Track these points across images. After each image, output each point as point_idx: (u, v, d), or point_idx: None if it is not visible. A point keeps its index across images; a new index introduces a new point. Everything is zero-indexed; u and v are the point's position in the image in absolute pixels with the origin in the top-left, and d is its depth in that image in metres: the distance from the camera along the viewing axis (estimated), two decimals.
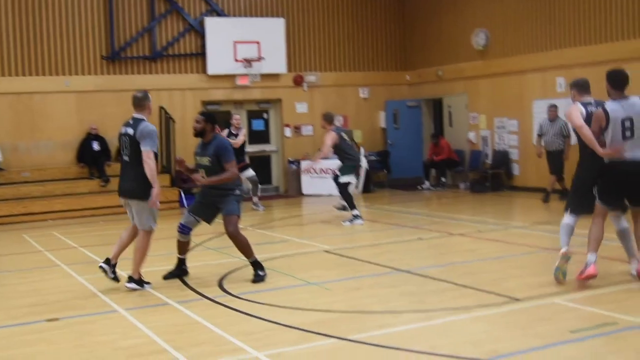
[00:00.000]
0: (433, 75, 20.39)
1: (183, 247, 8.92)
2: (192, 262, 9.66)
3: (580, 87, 8.16)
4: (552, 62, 16.68)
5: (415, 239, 11.28)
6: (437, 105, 21.05)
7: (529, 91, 17.33)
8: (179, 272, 8.94)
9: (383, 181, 20.45)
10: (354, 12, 20.86)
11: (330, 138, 13.36)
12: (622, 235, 7.94)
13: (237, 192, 8.70)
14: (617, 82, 7.68)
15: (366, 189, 18.93)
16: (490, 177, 17.96)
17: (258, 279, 8.59)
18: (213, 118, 8.78)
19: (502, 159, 18.02)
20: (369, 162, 18.98)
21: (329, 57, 20.59)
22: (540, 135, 15.70)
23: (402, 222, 13.39)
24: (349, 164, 13.61)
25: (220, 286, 8.39)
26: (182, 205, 17.22)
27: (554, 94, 16.59)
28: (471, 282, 8.00)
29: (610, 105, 7.61)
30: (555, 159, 15.38)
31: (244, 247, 8.65)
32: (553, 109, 15.54)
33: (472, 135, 19.05)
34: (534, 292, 7.49)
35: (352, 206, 13.38)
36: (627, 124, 7.52)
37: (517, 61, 17.63)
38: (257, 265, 8.70)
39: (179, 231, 8.79)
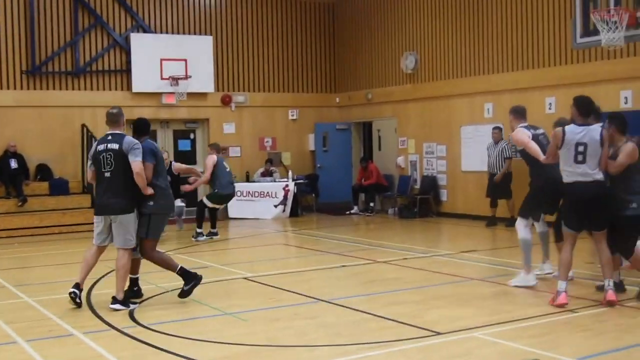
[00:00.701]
0: (363, 98, 20.37)
1: (134, 266, 8.72)
2: (102, 288, 9.30)
3: (518, 113, 9.12)
4: (480, 87, 16.79)
5: (339, 267, 11.09)
6: (366, 129, 21.05)
7: (458, 116, 17.41)
8: (132, 293, 8.72)
9: (311, 205, 20.28)
10: (284, 33, 20.74)
11: (210, 160, 14.68)
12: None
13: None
14: (584, 109, 8.05)
15: (294, 213, 18.75)
16: (418, 202, 17.93)
17: (184, 294, 8.61)
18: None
19: (431, 184, 18.04)
20: (297, 185, 18.90)
21: (257, 77, 20.41)
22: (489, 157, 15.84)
23: (328, 248, 13.19)
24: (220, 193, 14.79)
25: (131, 315, 8.03)
26: None
27: (482, 119, 16.69)
28: (392, 313, 7.82)
29: (569, 128, 8.00)
30: (498, 182, 15.50)
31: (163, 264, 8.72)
32: (497, 131, 15.68)
33: (400, 160, 19.04)
34: (454, 324, 7.34)
35: (200, 225, 14.70)
36: (581, 148, 7.88)
37: (446, 85, 17.72)
38: (185, 275, 8.64)
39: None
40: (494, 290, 9.11)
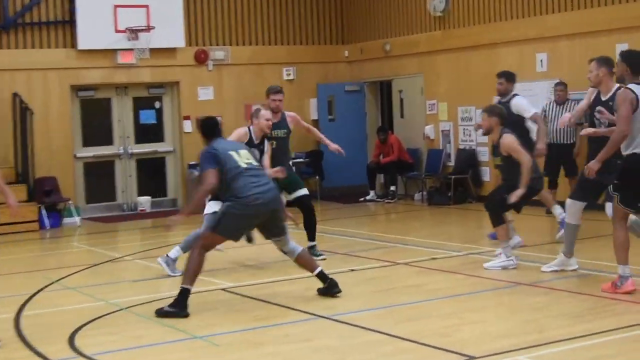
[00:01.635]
0: (379, 51, 20.28)
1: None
2: (39, 307, 9.26)
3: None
4: (531, 32, 16.66)
5: (347, 271, 11.01)
6: (385, 90, 20.97)
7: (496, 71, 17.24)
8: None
9: (314, 191, 20.17)
10: None
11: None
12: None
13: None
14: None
15: (291, 203, 18.64)
16: (453, 184, 17.82)
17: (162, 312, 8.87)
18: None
19: (469, 160, 17.97)
20: (295, 166, 18.80)
21: (242, 26, 20.34)
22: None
23: (333, 247, 13.13)
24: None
25: (71, 342, 7.97)
26: (42, 226, 16.71)
27: (534, 74, 16.56)
28: (412, 333, 7.76)
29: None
30: (563, 155, 15.27)
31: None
32: (561, 87, 15.48)
33: (429, 130, 18.90)
34: (494, 345, 7.25)
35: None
36: None
37: (486, 31, 17.65)
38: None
39: None
40: (548, 298, 9.05)
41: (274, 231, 9.37)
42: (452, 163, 18.43)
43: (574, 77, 15.45)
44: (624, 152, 8.85)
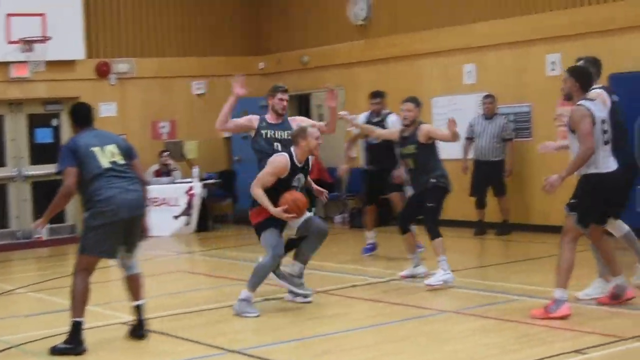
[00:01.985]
0: (297, 62, 20.36)
1: None
2: None
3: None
4: (458, 41, 16.83)
5: (261, 301, 10.96)
6: (303, 104, 21.05)
7: (427, 83, 17.46)
8: None
9: (227, 214, 20.13)
10: None
11: None
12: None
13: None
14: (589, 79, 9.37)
15: (202, 227, 18.60)
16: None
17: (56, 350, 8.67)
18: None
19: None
20: (206, 187, 18.75)
21: (148, 36, 20.30)
22: (470, 139, 15.77)
23: (248, 275, 12.98)
24: None
25: None
26: None
27: (460, 86, 16.74)
28: None
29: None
30: (492, 173, 15.45)
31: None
32: (489, 100, 15.67)
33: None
34: None
35: None
36: (605, 126, 9.12)
37: (410, 41, 17.81)
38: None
39: None
40: (476, 326, 9.15)
41: (127, 245, 9.03)
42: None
43: (503, 89, 15.68)
44: (583, 172, 9.08)
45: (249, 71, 21.06)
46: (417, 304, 10.32)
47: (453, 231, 15.88)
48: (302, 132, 10.43)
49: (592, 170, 9.01)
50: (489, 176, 15.54)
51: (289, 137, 10.86)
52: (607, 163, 9.06)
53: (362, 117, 14.08)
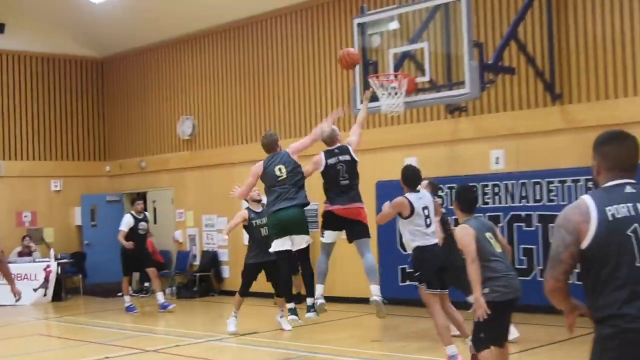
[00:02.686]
0: (136, 167, 20.17)
1: None
2: None
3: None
4: (263, 154, 16.98)
5: (102, 358, 10.73)
6: (141, 200, 20.73)
7: (239, 185, 17.53)
8: None
9: (78, 287, 19.61)
10: (45, 92, 20.26)
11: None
12: None
13: None
14: (413, 181, 9.08)
15: (57, 298, 18.07)
16: (198, 280, 17.85)
17: None
18: None
19: (211, 260, 18.04)
20: (60, 265, 18.28)
21: (14, 142, 19.74)
22: None
23: (92, 337, 12.77)
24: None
25: None
26: None
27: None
28: None
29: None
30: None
31: None
32: None
33: (178, 234, 18.92)
34: None
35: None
36: (426, 212, 8.93)
37: (227, 152, 17.93)
38: None
39: None
40: None
41: None
42: (197, 262, 18.46)
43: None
44: (412, 246, 8.94)
45: (97, 173, 20.86)
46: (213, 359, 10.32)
47: (258, 301, 15.98)
48: None
49: (417, 244, 8.92)
50: None
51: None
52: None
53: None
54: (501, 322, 7.14)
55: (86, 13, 18.02)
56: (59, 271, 18.28)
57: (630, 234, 3.80)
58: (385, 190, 14.05)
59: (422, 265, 8.92)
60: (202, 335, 12.51)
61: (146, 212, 16.34)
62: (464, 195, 7.79)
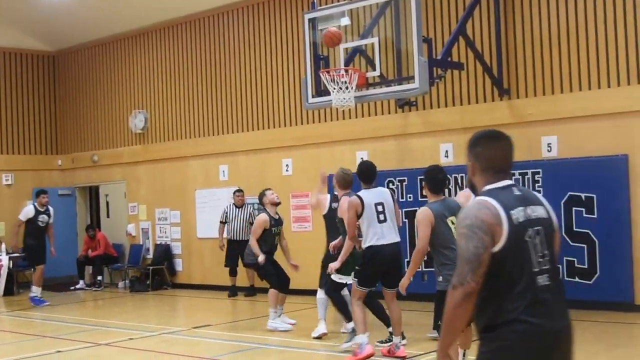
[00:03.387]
0: (88, 161, 19.86)
1: None
2: None
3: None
4: (215, 148, 16.92)
5: (54, 353, 10.52)
6: (93, 194, 20.49)
7: (192, 179, 17.42)
8: None
9: (30, 281, 19.21)
10: None
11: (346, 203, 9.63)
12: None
13: None
14: (368, 176, 9.16)
15: (9, 292, 17.73)
16: (151, 274, 17.61)
17: None
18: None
19: (164, 253, 17.82)
20: (12, 259, 17.93)
21: None
22: (223, 223, 15.77)
23: (44, 331, 12.53)
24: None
25: None
26: None
27: (217, 182, 16.80)
28: None
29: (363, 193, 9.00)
30: (241, 249, 15.43)
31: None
32: (239, 193, 15.74)
33: (131, 228, 18.66)
34: None
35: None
36: (380, 208, 8.93)
37: (178, 146, 17.73)
38: None
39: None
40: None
41: None
42: (150, 256, 18.23)
43: (250, 184, 15.88)
44: (363, 246, 8.94)
45: (49, 167, 20.49)
46: (180, 353, 10.16)
47: (211, 294, 15.85)
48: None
49: (368, 244, 8.93)
50: (239, 251, 15.55)
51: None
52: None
53: None
54: None
55: (39, 7, 17.62)
56: (11, 265, 17.92)
57: (527, 239, 3.73)
58: None
59: (366, 265, 8.93)
60: (155, 328, 12.31)
61: (50, 207, 16.26)
62: (432, 175, 7.77)
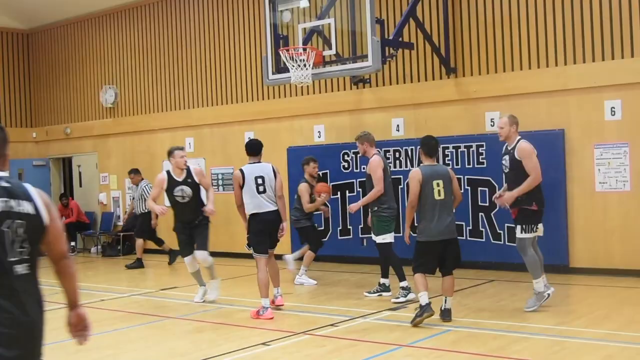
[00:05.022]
0: (61, 133, 19.66)
1: None
2: None
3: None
4: (181, 121, 16.87)
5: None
6: (66, 165, 20.32)
7: (159, 151, 17.29)
8: None
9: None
10: None
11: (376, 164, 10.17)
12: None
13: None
14: (252, 150, 9.59)
15: None
16: (122, 240, 17.55)
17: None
18: None
19: (134, 220, 17.68)
20: None
21: None
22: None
23: None
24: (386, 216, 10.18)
25: None
26: None
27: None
28: None
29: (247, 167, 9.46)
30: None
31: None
32: (132, 175, 16.04)
33: (102, 196, 18.55)
34: None
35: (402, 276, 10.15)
36: (260, 180, 9.33)
37: (147, 120, 17.63)
38: None
39: None
40: (190, 328, 9.12)
41: None
42: (121, 223, 18.18)
43: (214, 155, 15.85)
44: (247, 213, 9.39)
45: (24, 139, 20.24)
46: (147, 312, 10.18)
47: (179, 258, 15.83)
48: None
49: (251, 212, 9.43)
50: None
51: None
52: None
53: None
54: (431, 257, 8.38)
55: None
56: None
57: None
58: (296, 154, 14.10)
59: (253, 231, 9.37)
60: (126, 290, 12.33)
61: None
62: (426, 140, 8.71)
